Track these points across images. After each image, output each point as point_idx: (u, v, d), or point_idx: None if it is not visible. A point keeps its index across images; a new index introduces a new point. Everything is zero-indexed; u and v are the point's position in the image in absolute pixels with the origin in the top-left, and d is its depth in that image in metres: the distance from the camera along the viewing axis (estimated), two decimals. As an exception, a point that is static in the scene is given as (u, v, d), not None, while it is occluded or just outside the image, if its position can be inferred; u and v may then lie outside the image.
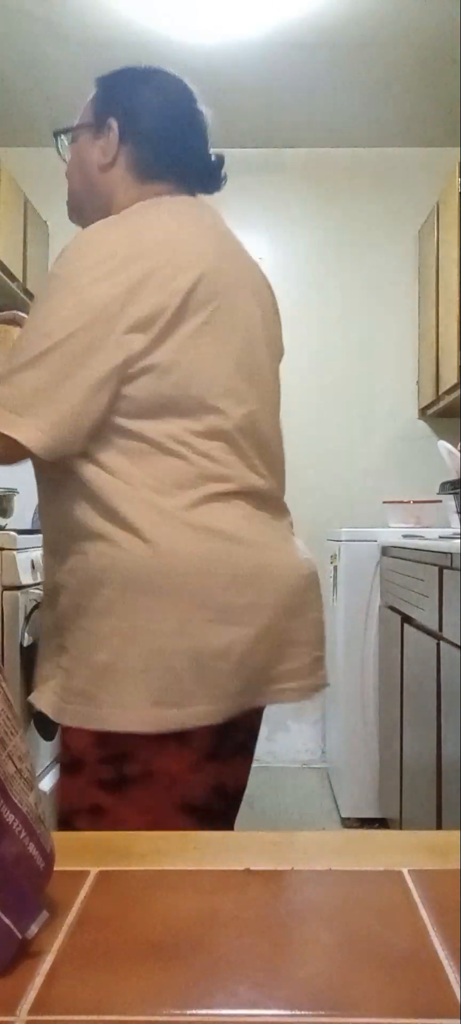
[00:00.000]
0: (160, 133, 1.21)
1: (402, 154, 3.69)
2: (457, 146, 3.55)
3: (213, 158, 1.25)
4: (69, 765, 1.09)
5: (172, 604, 1.03)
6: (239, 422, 1.10)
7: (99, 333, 1.03)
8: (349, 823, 2.85)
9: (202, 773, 1.08)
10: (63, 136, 1.31)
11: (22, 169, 3.30)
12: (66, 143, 1.30)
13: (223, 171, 1.27)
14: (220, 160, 1.26)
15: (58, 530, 1.13)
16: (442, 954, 0.42)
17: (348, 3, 2.72)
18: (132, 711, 1.03)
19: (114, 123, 1.21)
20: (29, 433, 1.02)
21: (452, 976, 0.40)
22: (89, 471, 1.06)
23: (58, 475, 1.09)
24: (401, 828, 2.34)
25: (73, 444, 1.05)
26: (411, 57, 3.02)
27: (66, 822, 1.10)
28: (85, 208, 1.24)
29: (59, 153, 1.31)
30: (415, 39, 2.91)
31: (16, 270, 3.16)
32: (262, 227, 3.72)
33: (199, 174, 1.24)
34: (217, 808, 1.13)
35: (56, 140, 1.32)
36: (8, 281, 3.10)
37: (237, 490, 1.10)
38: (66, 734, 1.08)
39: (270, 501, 1.16)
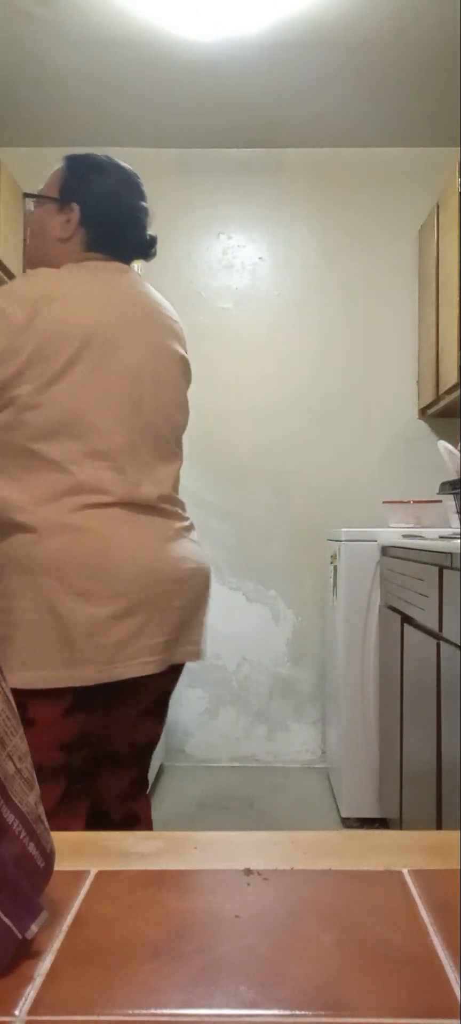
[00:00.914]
0: (111, 223, 1.50)
1: (402, 154, 3.69)
2: (457, 146, 3.56)
3: (148, 238, 1.56)
4: None
5: (41, 586, 1.30)
6: (120, 446, 1.38)
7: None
8: (349, 823, 2.85)
9: (73, 720, 1.34)
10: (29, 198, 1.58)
11: (22, 169, 3.30)
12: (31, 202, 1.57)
13: (155, 247, 1.58)
14: (153, 240, 1.57)
15: None
16: (442, 954, 0.42)
17: (348, 3, 2.72)
18: (13, 671, 1.29)
19: (76, 207, 1.48)
20: None
21: (452, 976, 0.40)
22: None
23: None
24: (401, 828, 2.34)
25: None
26: (411, 57, 3.02)
27: None
28: (39, 265, 1.50)
29: (25, 208, 1.59)
30: (415, 39, 2.92)
31: (16, 270, 3.16)
32: (262, 227, 3.73)
33: (134, 252, 1.55)
34: (130, 752, 1.45)
35: (24, 200, 1.58)
36: (8, 281, 3.10)
37: (114, 501, 1.36)
38: None
39: (155, 508, 1.42)
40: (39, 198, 1.53)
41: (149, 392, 1.44)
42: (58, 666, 1.30)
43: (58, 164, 1.56)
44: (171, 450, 1.51)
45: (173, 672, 1.48)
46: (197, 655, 1.49)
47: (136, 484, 1.40)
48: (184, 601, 1.42)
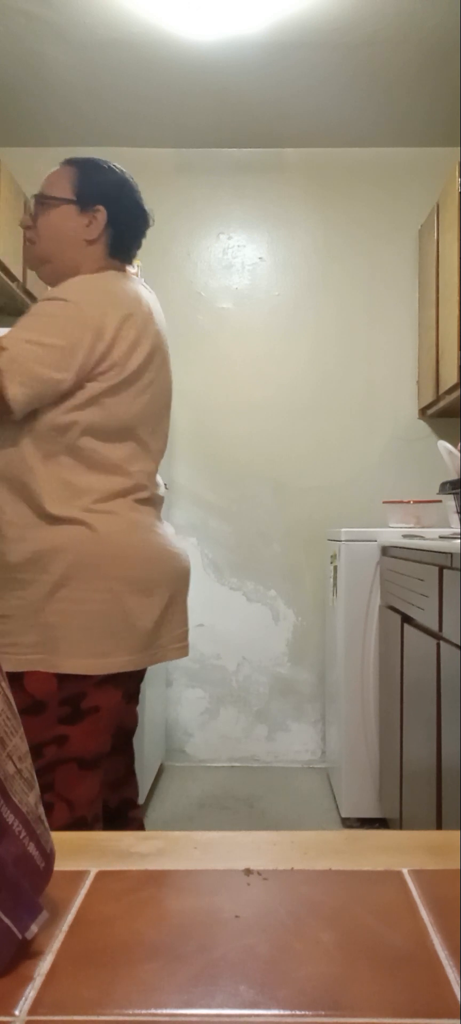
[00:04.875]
0: (133, 228, 1.56)
1: (402, 154, 3.69)
2: (457, 146, 3.56)
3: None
4: (33, 707, 1.37)
5: (105, 579, 1.38)
6: (158, 450, 1.54)
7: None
8: (349, 823, 2.85)
9: (121, 707, 1.46)
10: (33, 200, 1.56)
11: (22, 169, 3.30)
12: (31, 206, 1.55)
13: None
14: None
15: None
16: (442, 954, 0.42)
17: (348, 3, 2.72)
18: (79, 659, 1.37)
19: (102, 209, 1.50)
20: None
21: (452, 976, 0.40)
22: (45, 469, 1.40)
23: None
24: (401, 828, 2.34)
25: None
26: (411, 57, 3.02)
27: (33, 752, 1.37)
28: (57, 267, 1.52)
29: (29, 212, 1.56)
30: (415, 39, 2.92)
31: (16, 270, 3.15)
32: (262, 227, 3.73)
33: (132, 257, 1.61)
34: (119, 739, 1.57)
35: (30, 201, 1.55)
36: (8, 281, 3.10)
37: (150, 499, 1.50)
38: (29, 682, 1.37)
39: (161, 510, 1.58)
40: (57, 201, 1.50)
41: (169, 405, 1.60)
42: (124, 652, 1.40)
43: (58, 167, 1.53)
44: None
45: None
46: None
47: (158, 483, 1.57)
48: (188, 589, 1.58)
